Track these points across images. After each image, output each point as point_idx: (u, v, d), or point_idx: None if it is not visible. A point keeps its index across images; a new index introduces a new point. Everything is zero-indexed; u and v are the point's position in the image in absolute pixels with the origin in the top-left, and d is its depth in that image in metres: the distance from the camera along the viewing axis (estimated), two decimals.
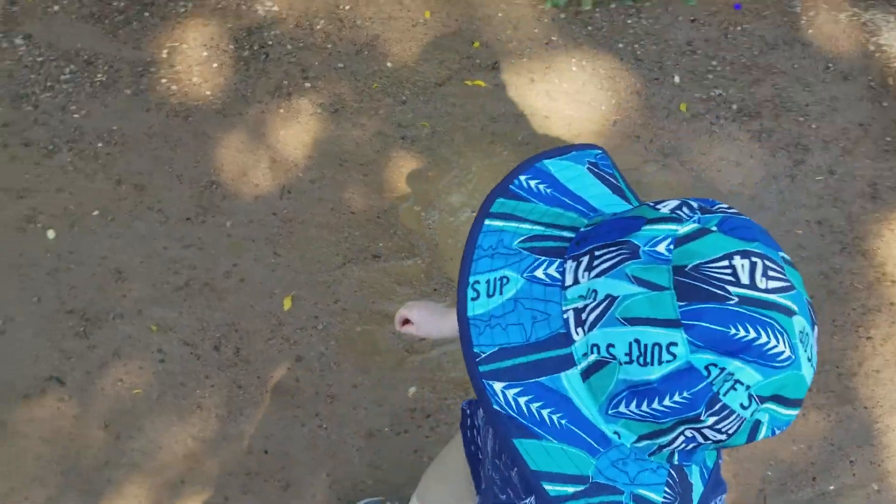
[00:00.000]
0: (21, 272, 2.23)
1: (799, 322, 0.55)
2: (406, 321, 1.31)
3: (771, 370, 0.54)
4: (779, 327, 0.53)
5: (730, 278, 0.54)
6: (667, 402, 0.55)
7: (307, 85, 2.61)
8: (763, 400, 0.55)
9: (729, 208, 0.61)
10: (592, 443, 0.61)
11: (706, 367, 0.53)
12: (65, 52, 2.54)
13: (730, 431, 0.57)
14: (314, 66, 2.64)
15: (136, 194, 2.37)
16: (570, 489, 0.61)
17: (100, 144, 2.42)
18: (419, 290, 2.36)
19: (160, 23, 2.63)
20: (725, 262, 0.55)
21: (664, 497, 0.64)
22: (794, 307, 0.55)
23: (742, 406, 0.55)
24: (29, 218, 2.30)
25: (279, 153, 2.50)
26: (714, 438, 0.58)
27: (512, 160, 2.56)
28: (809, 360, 0.57)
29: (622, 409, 0.58)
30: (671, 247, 0.56)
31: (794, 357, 0.54)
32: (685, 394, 0.54)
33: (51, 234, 2.29)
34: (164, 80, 2.55)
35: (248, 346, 2.22)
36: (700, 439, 0.58)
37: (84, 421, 2.08)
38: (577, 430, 0.60)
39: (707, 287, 0.54)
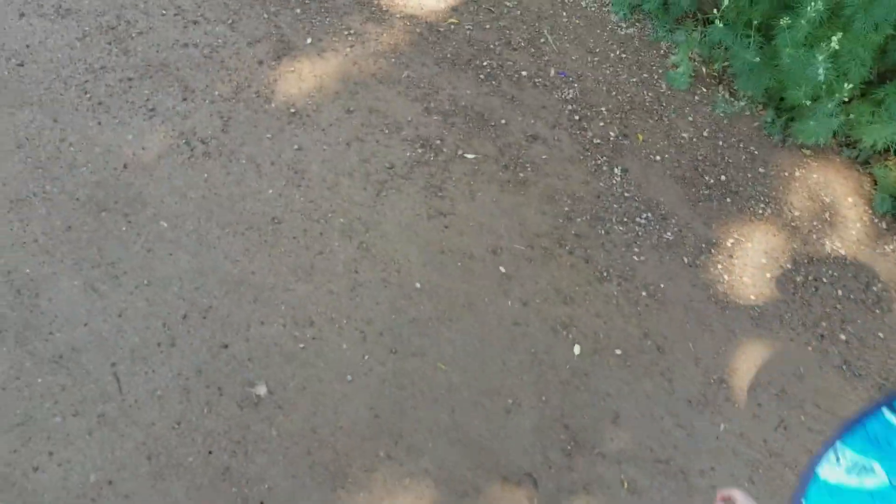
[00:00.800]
0: (543, 368, 2.51)
1: None
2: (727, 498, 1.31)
3: None
4: None
5: None
6: None
7: (842, 337, 2.62)
8: None
9: None
10: None
11: None
12: (648, 199, 2.83)
13: None
14: (855, 323, 2.64)
15: (655, 354, 2.55)
16: None
17: (643, 293, 2.65)
18: None
19: (736, 213, 2.82)
20: None
21: None
22: None
23: None
24: (564, 325, 2.58)
25: (788, 387, 2.53)
26: None
27: None
28: None
29: None
30: None
31: None
32: None
33: (577, 349, 2.55)
34: (718, 266, 2.72)
35: None
36: None
37: None
38: None
39: None
